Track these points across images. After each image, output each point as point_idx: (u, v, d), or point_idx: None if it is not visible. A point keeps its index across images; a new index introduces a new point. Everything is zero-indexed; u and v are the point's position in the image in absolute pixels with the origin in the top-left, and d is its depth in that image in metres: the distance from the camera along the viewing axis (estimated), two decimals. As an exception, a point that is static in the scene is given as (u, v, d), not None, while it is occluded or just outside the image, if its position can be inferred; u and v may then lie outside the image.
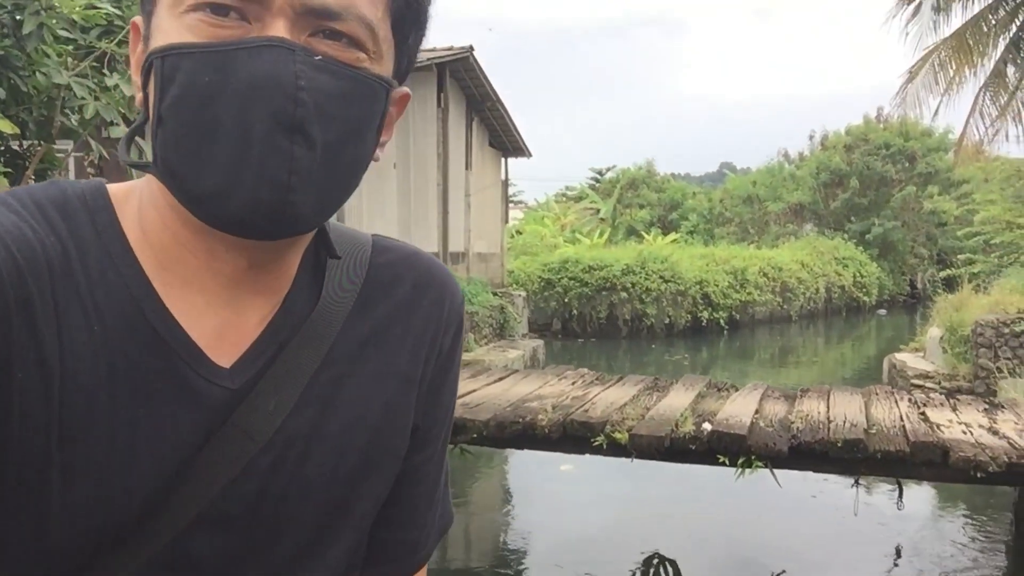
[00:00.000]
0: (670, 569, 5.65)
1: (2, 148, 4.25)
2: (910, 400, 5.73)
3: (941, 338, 11.05)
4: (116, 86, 4.15)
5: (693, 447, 4.77)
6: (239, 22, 0.62)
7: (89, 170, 5.60)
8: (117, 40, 4.23)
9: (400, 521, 0.83)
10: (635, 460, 4.92)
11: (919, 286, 26.81)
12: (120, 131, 4.22)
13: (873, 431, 4.80)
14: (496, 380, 6.38)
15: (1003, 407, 5.66)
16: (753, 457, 4.67)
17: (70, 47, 4.25)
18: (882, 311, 24.58)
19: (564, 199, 34.47)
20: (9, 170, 3.99)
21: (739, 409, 5.26)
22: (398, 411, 0.77)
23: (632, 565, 5.62)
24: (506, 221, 18.34)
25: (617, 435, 4.83)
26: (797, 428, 4.86)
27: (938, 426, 4.98)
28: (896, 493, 5.35)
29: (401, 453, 0.79)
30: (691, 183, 38.71)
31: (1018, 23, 14.36)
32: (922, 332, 12.64)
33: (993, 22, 14.36)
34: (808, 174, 27.90)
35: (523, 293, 16.91)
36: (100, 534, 0.63)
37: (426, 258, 0.83)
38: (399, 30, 0.69)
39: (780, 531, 6.37)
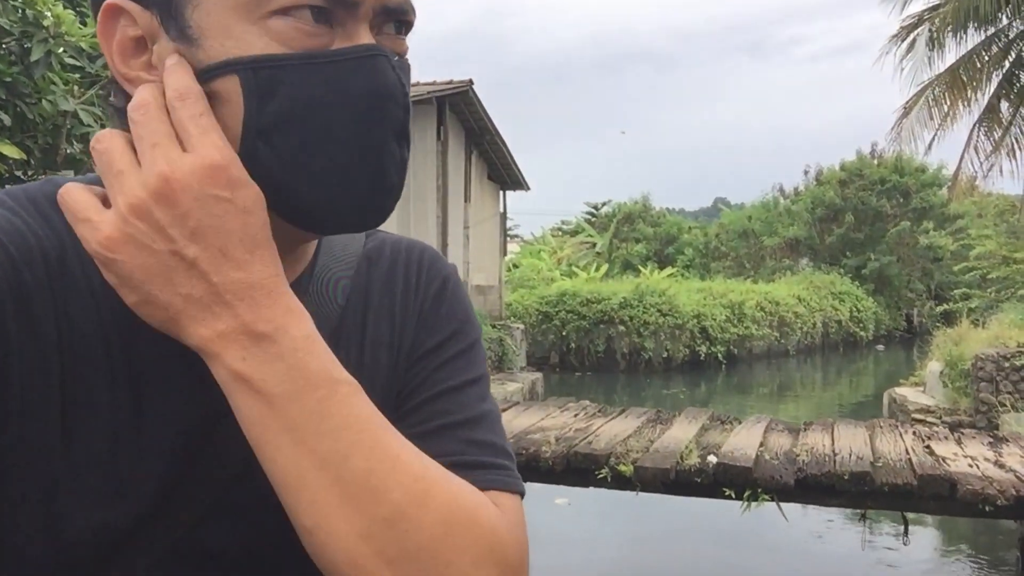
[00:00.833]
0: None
1: (7, 175, 4.24)
2: (914, 433, 5.69)
3: (941, 372, 11.03)
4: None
5: (698, 480, 4.72)
6: (326, 27, 0.62)
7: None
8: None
9: None
10: (640, 493, 4.87)
11: (915, 321, 26.81)
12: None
13: (879, 464, 4.76)
14: (497, 412, 6.33)
15: (1007, 440, 5.62)
16: (759, 490, 4.63)
17: (77, 75, 4.27)
18: (880, 346, 24.57)
19: (560, 233, 34.55)
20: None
21: (743, 442, 5.22)
22: (389, 380, 0.75)
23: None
24: (504, 254, 18.35)
25: (622, 467, 4.78)
26: (803, 461, 4.82)
27: (944, 459, 4.95)
28: (901, 528, 5.30)
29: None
30: (686, 218, 38.87)
31: (1011, 59, 14.55)
32: (921, 366, 12.62)
33: (986, 58, 14.54)
34: (803, 209, 28.03)
35: (521, 326, 16.87)
36: (116, 526, 0.62)
37: (408, 238, 0.84)
38: None
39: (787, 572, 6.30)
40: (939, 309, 20.15)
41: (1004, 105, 14.91)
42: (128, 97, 0.64)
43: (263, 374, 0.59)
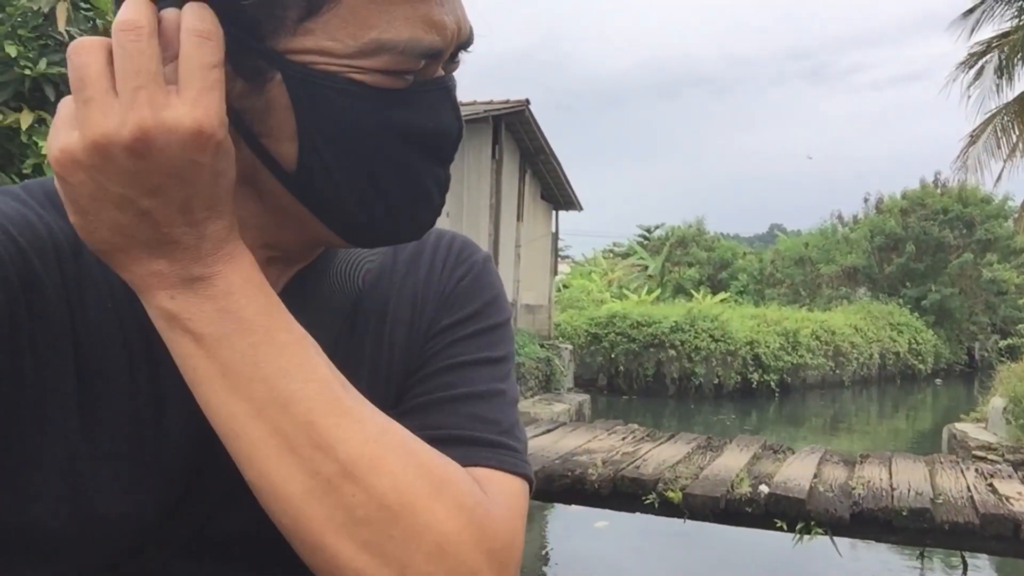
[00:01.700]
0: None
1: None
2: (976, 471, 5.49)
3: (1005, 408, 10.65)
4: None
5: (749, 509, 4.61)
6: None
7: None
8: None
9: None
10: (687, 521, 4.76)
11: (977, 355, 26.01)
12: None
13: (940, 501, 4.60)
14: (544, 432, 6.28)
15: (1076, 482, 5.38)
16: (812, 523, 4.50)
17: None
18: (938, 380, 23.89)
19: (611, 255, 34.37)
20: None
21: (797, 472, 5.08)
22: (404, 360, 0.73)
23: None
24: (555, 273, 18.29)
25: (670, 494, 4.69)
26: (859, 494, 4.68)
27: (1008, 498, 4.76)
28: (956, 571, 5.10)
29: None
30: (741, 243, 38.39)
31: (1084, 90, 14.11)
32: (983, 402, 12.22)
33: (1058, 88, 14.14)
34: (862, 237, 27.45)
35: (570, 346, 16.76)
36: (143, 513, 0.62)
37: (441, 228, 0.80)
38: None
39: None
40: (1003, 343, 19.51)
41: (1076, 136, 14.46)
42: None
43: (190, 313, 0.56)
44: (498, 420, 0.69)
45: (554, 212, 17.68)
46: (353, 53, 0.58)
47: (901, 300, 25.26)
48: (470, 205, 13.45)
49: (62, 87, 3.96)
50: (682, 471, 5.02)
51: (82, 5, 4.17)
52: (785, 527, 4.55)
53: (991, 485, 5.07)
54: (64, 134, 0.54)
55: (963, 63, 15.23)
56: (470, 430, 0.67)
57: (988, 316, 26.01)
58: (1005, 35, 14.43)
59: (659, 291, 25.75)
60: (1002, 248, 25.61)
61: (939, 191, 27.15)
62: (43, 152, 3.79)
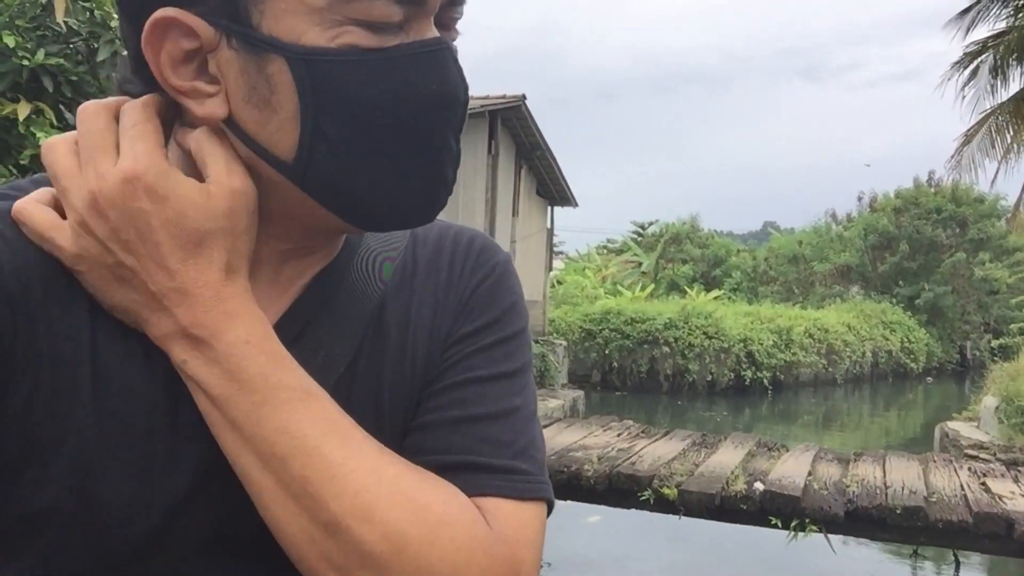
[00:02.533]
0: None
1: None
2: (970, 469, 5.52)
3: (997, 407, 10.70)
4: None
5: (744, 507, 4.63)
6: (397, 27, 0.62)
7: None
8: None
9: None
10: (682, 518, 4.78)
11: (969, 354, 26.11)
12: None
13: (933, 499, 4.62)
14: (539, 428, 6.28)
15: (1068, 481, 5.41)
16: (807, 520, 4.51)
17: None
18: (929, 379, 23.98)
19: (606, 251, 34.37)
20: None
21: (791, 470, 5.10)
22: (425, 368, 0.72)
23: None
24: (550, 269, 18.29)
25: (665, 490, 4.70)
26: (853, 492, 4.70)
27: (1001, 497, 4.79)
28: (947, 569, 5.13)
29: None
30: (735, 240, 38.42)
31: (1079, 91, 14.15)
32: (975, 401, 12.27)
33: (1053, 88, 14.17)
34: (856, 235, 27.50)
35: (564, 342, 16.77)
36: (158, 506, 0.62)
37: (460, 225, 0.82)
38: None
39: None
40: (996, 343, 19.58)
41: (1070, 136, 14.51)
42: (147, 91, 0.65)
43: (201, 376, 0.61)
44: (512, 441, 0.68)
45: (549, 208, 17.68)
46: (329, 3, 0.58)
47: (894, 299, 25.33)
48: (466, 200, 13.44)
49: (59, 78, 3.95)
50: (677, 468, 5.03)
51: (80, -4, 4.15)
52: (780, 524, 4.57)
53: (984, 484, 5.10)
54: (56, 236, 0.61)
55: (958, 62, 15.26)
56: (480, 455, 0.66)
57: (980, 315, 26.12)
58: (1000, 35, 14.45)
59: (653, 288, 25.76)
60: (995, 247, 25.71)
61: (933, 190, 27.22)
62: (40, 143, 3.78)
